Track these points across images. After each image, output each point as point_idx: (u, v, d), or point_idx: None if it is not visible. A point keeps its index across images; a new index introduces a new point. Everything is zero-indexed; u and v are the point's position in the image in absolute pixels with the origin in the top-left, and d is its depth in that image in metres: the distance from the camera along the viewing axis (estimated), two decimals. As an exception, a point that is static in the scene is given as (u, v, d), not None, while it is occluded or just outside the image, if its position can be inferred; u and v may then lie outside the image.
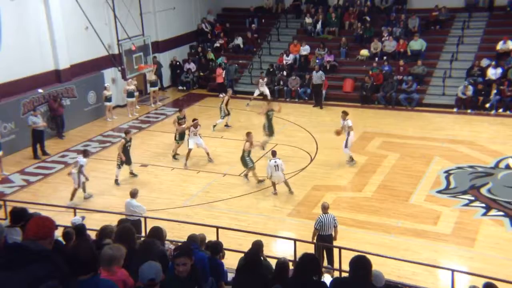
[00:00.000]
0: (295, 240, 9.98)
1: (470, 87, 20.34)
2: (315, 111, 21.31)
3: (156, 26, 23.90)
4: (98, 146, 18.21)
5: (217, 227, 10.46)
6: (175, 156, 16.71)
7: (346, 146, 15.61)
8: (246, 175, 15.02)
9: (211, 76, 24.89)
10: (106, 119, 20.71)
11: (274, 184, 14.10)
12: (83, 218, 9.44)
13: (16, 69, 17.56)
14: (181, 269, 5.18)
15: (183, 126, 16.43)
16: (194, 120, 16.32)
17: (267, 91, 22.19)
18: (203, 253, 7.49)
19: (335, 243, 10.51)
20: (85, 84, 20.28)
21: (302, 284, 4.97)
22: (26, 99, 17.77)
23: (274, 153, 14.08)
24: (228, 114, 19.07)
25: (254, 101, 21.64)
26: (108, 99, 20.46)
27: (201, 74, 24.98)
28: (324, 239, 10.33)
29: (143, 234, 10.35)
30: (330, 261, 10.22)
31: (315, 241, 10.36)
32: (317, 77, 21.56)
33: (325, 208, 10.56)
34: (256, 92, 22.14)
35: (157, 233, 7.14)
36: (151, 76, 22.33)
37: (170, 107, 22.55)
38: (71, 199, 13.85)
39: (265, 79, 22.44)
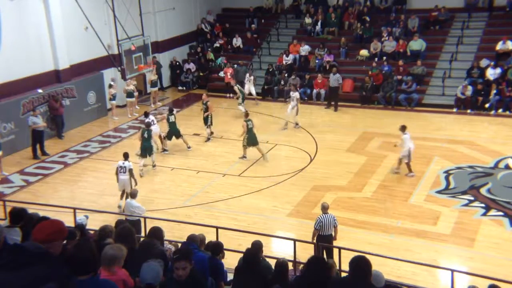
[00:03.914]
0: (294, 240, 9.97)
1: (469, 87, 20.36)
2: (314, 112, 21.29)
3: (156, 26, 23.90)
4: (97, 146, 18.21)
5: (217, 227, 10.45)
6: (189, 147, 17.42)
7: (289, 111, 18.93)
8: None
9: (210, 76, 24.93)
10: (113, 117, 20.74)
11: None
12: (87, 217, 9.47)
13: (16, 69, 17.55)
14: (181, 273, 5.19)
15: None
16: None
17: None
18: (202, 253, 7.49)
19: (335, 243, 10.51)
20: (85, 84, 20.27)
21: (308, 285, 4.95)
22: (26, 99, 17.76)
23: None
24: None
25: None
26: (114, 97, 20.54)
27: (201, 74, 24.98)
28: (324, 239, 10.32)
29: (142, 234, 10.35)
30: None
31: (315, 241, 10.35)
32: (334, 79, 21.36)
33: (325, 208, 10.56)
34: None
35: (157, 233, 7.13)
36: (152, 76, 22.35)
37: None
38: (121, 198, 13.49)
39: (252, 77, 22.52)
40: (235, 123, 19.35)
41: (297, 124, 19.23)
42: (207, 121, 18.08)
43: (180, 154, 17.09)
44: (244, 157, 16.45)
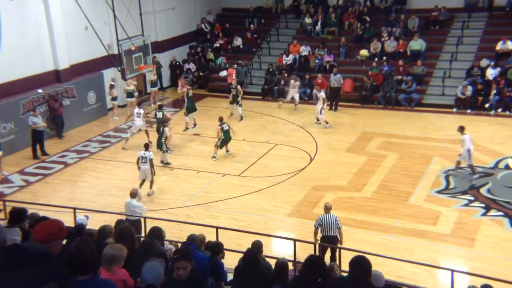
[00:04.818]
0: (294, 240, 9.97)
1: (469, 87, 20.37)
2: (314, 111, 21.23)
3: (156, 26, 23.90)
4: (98, 146, 18.20)
5: (217, 227, 10.45)
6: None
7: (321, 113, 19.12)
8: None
9: (210, 76, 24.92)
10: (113, 117, 20.79)
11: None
12: (87, 217, 9.49)
13: (16, 69, 17.55)
14: (181, 273, 5.20)
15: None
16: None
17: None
18: (202, 253, 7.50)
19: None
20: (85, 84, 20.27)
21: (306, 285, 4.95)
22: (26, 99, 17.75)
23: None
24: None
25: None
26: (115, 97, 20.61)
27: (201, 74, 24.98)
28: (328, 240, 10.29)
29: (143, 234, 10.35)
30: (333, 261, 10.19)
31: (318, 240, 10.33)
32: (335, 80, 21.36)
33: (327, 209, 10.54)
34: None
35: (157, 233, 7.14)
36: (152, 76, 22.38)
37: (170, 107, 22.52)
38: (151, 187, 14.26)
39: (298, 82, 21.73)
40: (234, 123, 19.39)
41: (318, 120, 19.44)
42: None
43: (180, 154, 17.09)
44: (214, 156, 16.55)
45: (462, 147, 14.62)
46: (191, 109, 18.84)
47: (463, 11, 23.96)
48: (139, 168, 14.07)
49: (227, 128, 16.69)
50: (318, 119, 19.50)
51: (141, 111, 17.88)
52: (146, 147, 14.31)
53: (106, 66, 20.79)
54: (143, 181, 14.12)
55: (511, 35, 21.71)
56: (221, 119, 16.87)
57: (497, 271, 9.63)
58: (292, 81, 21.49)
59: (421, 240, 11.81)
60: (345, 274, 8.89)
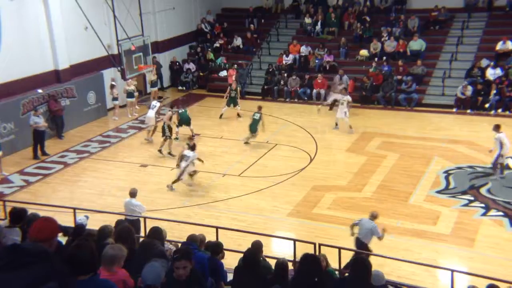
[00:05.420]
0: (294, 240, 9.96)
1: (469, 87, 20.38)
2: (314, 111, 21.24)
3: (156, 26, 23.91)
4: (97, 146, 18.20)
5: (217, 227, 10.44)
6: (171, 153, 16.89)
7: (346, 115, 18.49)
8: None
9: (210, 76, 24.93)
10: (113, 117, 20.79)
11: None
12: (87, 217, 9.49)
13: (16, 69, 17.54)
14: (181, 273, 5.20)
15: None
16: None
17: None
18: (202, 253, 7.50)
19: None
20: (85, 84, 20.27)
21: (303, 285, 4.96)
22: (26, 99, 17.75)
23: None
24: None
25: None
26: (116, 97, 20.61)
27: (201, 74, 24.98)
28: (356, 243, 10.28)
29: (142, 234, 10.34)
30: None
31: (355, 232, 10.39)
32: (344, 81, 21.39)
33: (371, 216, 10.44)
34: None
35: (157, 233, 7.14)
36: (152, 76, 22.38)
37: (169, 107, 22.54)
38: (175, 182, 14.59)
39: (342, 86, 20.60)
40: (233, 123, 19.43)
41: (350, 127, 18.51)
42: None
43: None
44: (246, 142, 17.48)
45: (495, 146, 14.39)
46: (181, 123, 18.15)
47: (463, 11, 23.97)
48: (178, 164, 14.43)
49: (257, 118, 17.25)
50: (351, 127, 18.51)
51: (157, 104, 17.98)
52: (192, 148, 14.45)
53: (106, 66, 20.79)
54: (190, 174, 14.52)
55: (511, 35, 21.72)
56: (259, 108, 17.78)
57: (497, 271, 9.64)
58: (340, 95, 19.25)
59: (421, 240, 11.80)
60: (338, 270, 8.93)
